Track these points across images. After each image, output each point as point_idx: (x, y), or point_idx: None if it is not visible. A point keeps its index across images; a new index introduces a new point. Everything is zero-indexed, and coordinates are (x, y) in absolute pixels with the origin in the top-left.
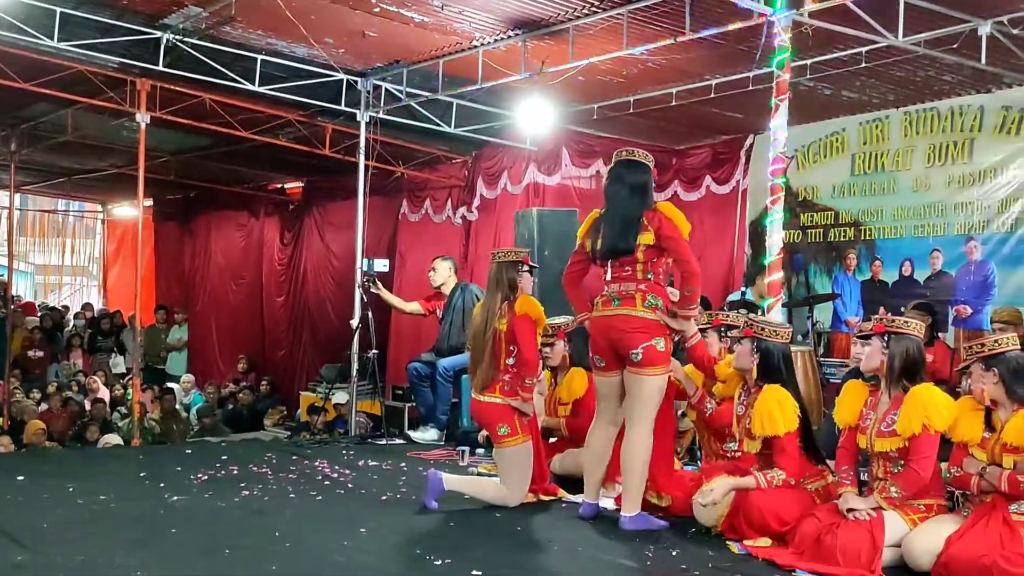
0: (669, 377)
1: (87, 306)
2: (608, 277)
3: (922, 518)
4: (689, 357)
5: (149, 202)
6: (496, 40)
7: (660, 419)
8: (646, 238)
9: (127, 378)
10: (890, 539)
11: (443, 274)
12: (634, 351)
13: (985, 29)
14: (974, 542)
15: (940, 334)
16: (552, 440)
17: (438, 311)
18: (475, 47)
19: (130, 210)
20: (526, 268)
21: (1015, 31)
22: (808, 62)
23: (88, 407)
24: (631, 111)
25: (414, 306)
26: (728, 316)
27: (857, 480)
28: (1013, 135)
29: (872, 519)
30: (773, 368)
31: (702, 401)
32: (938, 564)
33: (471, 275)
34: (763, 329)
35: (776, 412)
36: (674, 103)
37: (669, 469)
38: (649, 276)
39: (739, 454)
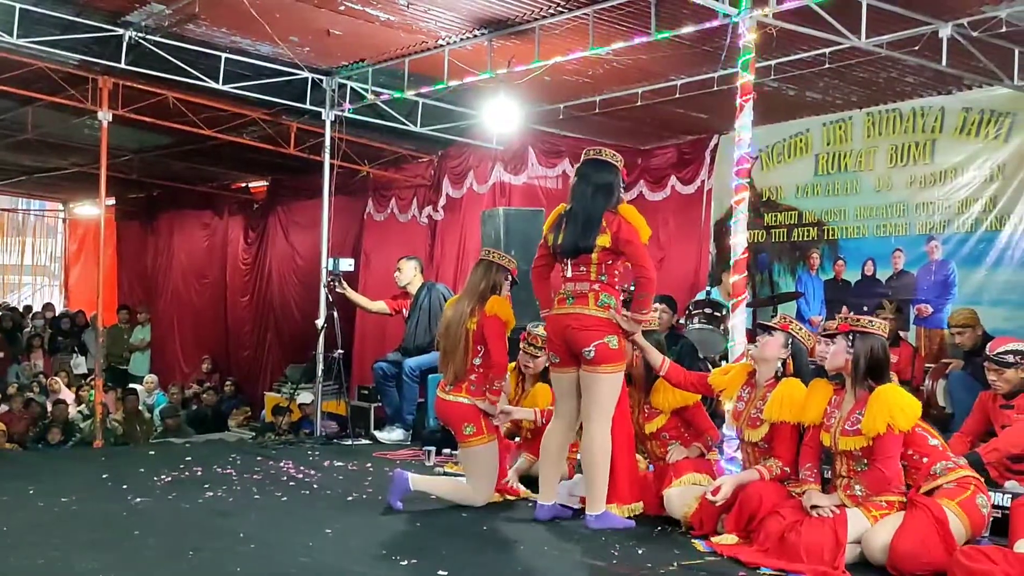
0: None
1: (48, 306)
2: (566, 275)
3: (884, 515)
4: (671, 382)
5: (111, 201)
6: (462, 39)
7: (617, 428)
8: (603, 240)
9: (89, 379)
10: (853, 536)
11: (408, 274)
12: (587, 348)
13: (946, 31)
14: (908, 532)
15: (903, 333)
16: (517, 440)
17: (404, 311)
18: (441, 46)
19: (92, 209)
20: (510, 279)
21: (975, 33)
22: (772, 63)
23: (49, 408)
24: (597, 111)
25: (380, 305)
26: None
27: (820, 477)
28: (973, 136)
29: (835, 516)
30: (801, 367)
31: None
32: (888, 559)
33: (437, 275)
34: (800, 329)
35: (796, 399)
36: (640, 103)
37: (632, 477)
38: (603, 277)
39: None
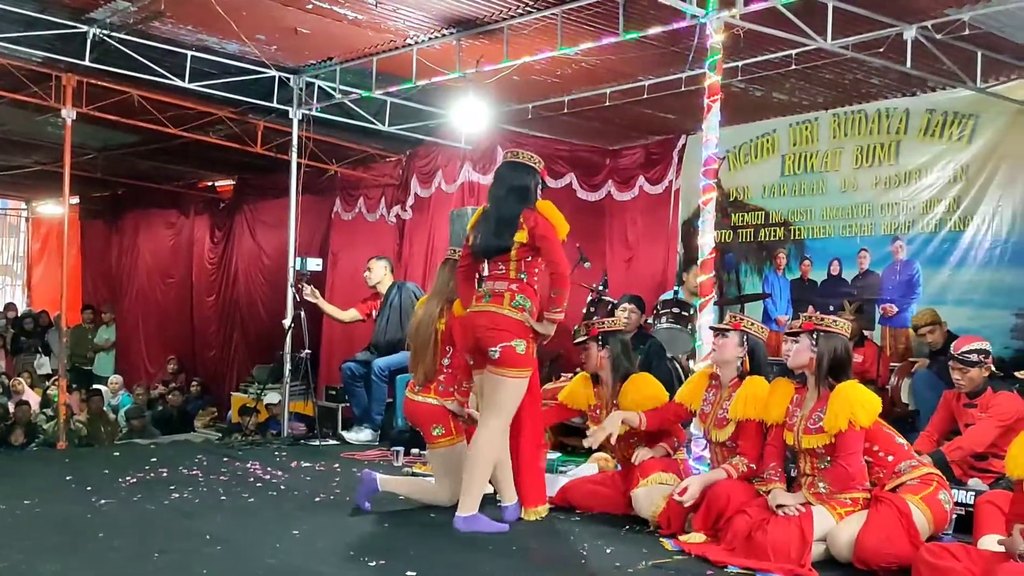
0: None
1: (10, 306)
2: (484, 274)
3: (849, 512)
4: (654, 428)
5: (75, 200)
6: (430, 38)
7: (526, 430)
8: (520, 236)
9: (53, 379)
10: (819, 533)
11: (379, 274)
12: (492, 348)
13: (910, 34)
14: (873, 526)
15: (868, 332)
16: None
17: (374, 312)
18: (409, 45)
19: (55, 208)
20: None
21: (939, 36)
22: (739, 64)
23: (12, 409)
24: (565, 111)
25: (352, 314)
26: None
27: (785, 476)
28: (937, 137)
29: (801, 515)
30: (759, 363)
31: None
32: (854, 552)
33: (405, 274)
34: (752, 324)
35: (760, 396)
36: (608, 103)
37: (539, 480)
38: (522, 276)
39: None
